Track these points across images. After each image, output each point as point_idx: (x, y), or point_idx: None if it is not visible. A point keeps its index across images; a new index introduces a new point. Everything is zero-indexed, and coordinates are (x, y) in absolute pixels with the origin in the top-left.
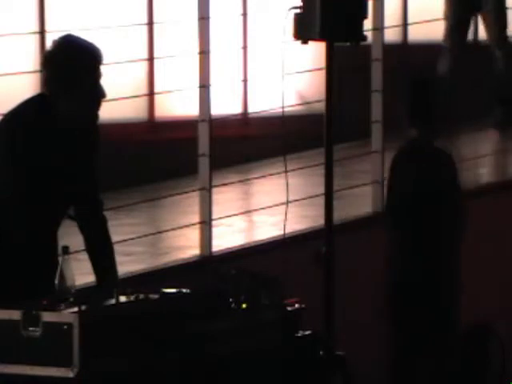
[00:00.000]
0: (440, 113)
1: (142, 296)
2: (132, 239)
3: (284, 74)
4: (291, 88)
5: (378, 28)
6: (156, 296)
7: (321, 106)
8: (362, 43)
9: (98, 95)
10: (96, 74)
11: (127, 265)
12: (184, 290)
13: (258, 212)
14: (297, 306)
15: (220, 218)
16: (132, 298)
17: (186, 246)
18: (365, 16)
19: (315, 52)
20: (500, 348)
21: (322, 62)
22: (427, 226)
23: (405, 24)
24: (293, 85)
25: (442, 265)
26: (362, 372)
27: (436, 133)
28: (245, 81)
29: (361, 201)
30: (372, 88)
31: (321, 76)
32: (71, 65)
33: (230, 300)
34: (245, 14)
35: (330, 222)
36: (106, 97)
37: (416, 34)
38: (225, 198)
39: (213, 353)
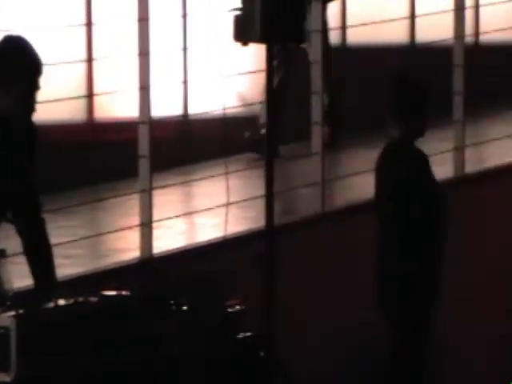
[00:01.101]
0: (420, 113)
1: (81, 299)
2: (71, 242)
3: (224, 76)
4: (231, 89)
5: (318, 30)
6: (96, 299)
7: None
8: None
9: (33, 90)
10: (33, 73)
11: (66, 268)
12: (124, 293)
13: (198, 214)
14: (238, 307)
15: (161, 220)
16: (71, 301)
17: (126, 248)
18: (305, 18)
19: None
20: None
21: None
22: (410, 226)
23: (343, 27)
24: (233, 86)
25: (423, 264)
26: (304, 373)
27: (417, 133)
28: (185, 82)
29: (301, 202)
30: (312, 90)
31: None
32: (7, 63)
33: (171, 302)
34: (185, 16)
35: (271, 224)
36: (40, 89)
37: (356, 37)
38: (165, 200)
39: (153, 355)
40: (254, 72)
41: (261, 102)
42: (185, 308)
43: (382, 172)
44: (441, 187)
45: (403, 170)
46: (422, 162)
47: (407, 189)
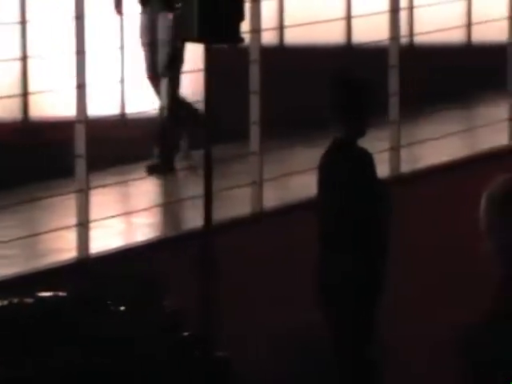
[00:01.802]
0: (363, 112)
1: (15, 300)
2: (7, 242)
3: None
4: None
5: (256, 30)
6: (31, 300)
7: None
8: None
9: None
10: None
11: (2, 268)
12: (60, 294)
13: (135, 214)
14: (176, 307)
15: (97, 219)
16: (5, 302)
17: (63, 248)
18: (242, 18)
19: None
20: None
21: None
22: (353, 225)
23: (281, 27)
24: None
25: (366, 264)
26: (247, 372)
27: (360, 132)
28: (122, 81)
29: (240, 201)
30: (250, 89)
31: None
32: None
33: (108, 302)
34: (121, 13)
35: (209, 223)
36: None
37: (293, 38)
38: (102, 200)
39: (90, 355)
40: (191, 72)
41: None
42: (122, 308)
43: (325, 171)
44: (385, 186)
45: (347, 168)
46: (366, 160)
47: (351, 188)
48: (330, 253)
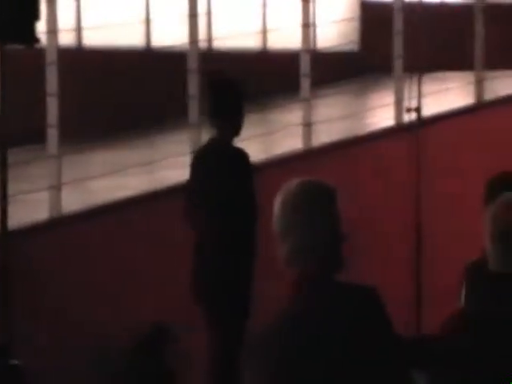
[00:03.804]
0: (237, 113)
1: None
2: None
3: None
4: None
5: (53, 31)
6: None
7: None
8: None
9: None
10: None
11: None
12: None
13: None
14: None
15: None
16: None
17: None
18: (37, 18)
19: None
20: (176, 349)
21: None
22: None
23: (79, 29)
24: None
25: (234, 273)
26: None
27: (234, 132)
28: None
29: (37, 206)
30: (47, 92)
31: None
32: None
33: None
34: None
35: (5, 228)
36: None
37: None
38: None
39: None
40: None
41: None
42: None
43: (198, 169)
44: (254, 187)
45: (219, 167)
46: (241, 160)
47: (224, 190)
48: (203, 254)
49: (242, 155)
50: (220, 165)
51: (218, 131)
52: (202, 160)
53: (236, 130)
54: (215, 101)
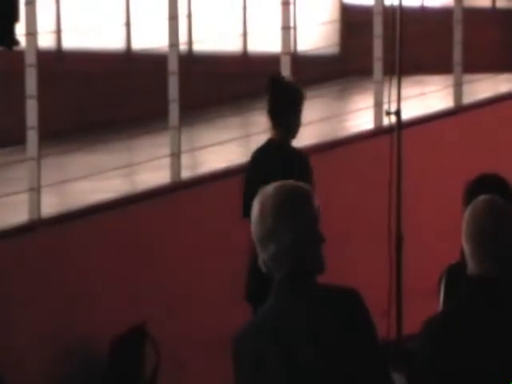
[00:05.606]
0: (294, 114)
1: None
2: None
3: None
4: None
5: (32, 33)
6: None
7: None
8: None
9: None
10: None
11: None
12: None
13: None
14: None
15: None
16: None
17: None
18: (17, 20)
19: None
20: (154, 350)
21: None
22: None
23: (58, 31)
24: None
25: None
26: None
27: (292, 133)
28: None
29: (17, 208)
30: (26, 94)
31: None
32: None
33: None
34: None
35: None
36: None
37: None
38: None
39: None
40: None
41: None
42: None
43: (258, 172)
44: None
45: (279, 168)
46: (299, 161)
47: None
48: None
49: (300, 156)
50: (280, 165)
51: (277, 132)
52: (261, 160)
53: (294, 131)
54: (277, 101)
